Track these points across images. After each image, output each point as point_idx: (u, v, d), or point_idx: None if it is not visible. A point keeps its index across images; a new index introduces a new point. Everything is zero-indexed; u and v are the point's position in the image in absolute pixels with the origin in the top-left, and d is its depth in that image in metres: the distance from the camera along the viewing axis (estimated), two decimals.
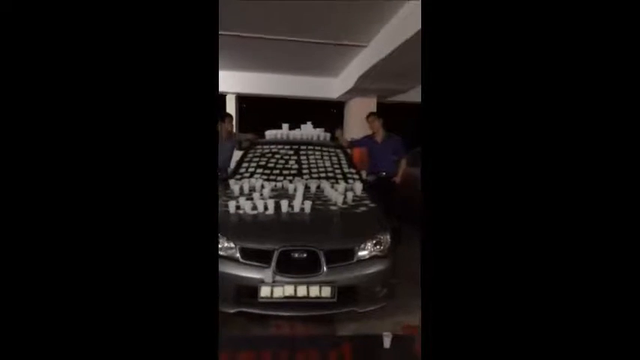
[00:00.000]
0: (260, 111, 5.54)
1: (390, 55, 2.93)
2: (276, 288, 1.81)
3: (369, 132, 3.36)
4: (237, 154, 3.31)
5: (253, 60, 4.36)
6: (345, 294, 1.88)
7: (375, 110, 4.98)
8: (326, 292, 1.83)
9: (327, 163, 2.96)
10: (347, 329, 2.01)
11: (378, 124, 3.24)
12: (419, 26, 2.28)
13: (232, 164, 3.17)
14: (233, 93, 5.43)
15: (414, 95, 4.93)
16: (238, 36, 3.30)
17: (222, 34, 3.26)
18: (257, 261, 1.86)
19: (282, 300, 1.82)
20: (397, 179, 3.19)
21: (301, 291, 1.81)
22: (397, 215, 2.83)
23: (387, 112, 4.21)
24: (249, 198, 2.27)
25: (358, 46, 3.43)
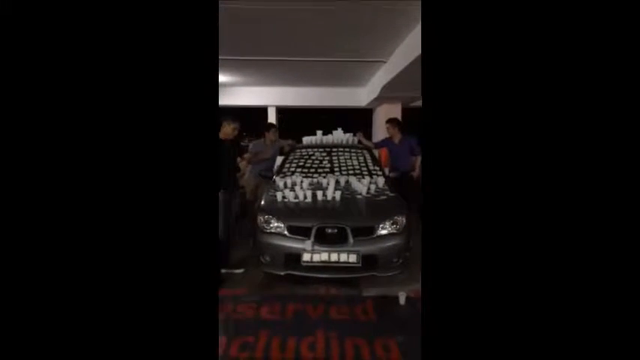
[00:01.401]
0: (297, 120, 6.20)
1: (407, 68, 3.42)
2: (314, 255, 2.38)
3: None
4: (279, 159, 3.95)
5: (290, 77, 5.03)
6: (368, 261, 2.40)
7: (399, 115, 5.46)
8: (352, 258, 2.37)
9: (355, 162, 3.51)
10: (370, 292, 2.52)
11: (393, 130, 3.77)
12: None
13: (276, 166, 3.81)
14: (273, 105, 6.17)
15: None
16: (276, 60, 3.96)
17: (263, 59, 3.94)
18: (300, 235, 2.44)
19: (319, 264, 2.38)
20: (414, 174, 3.65)
21: (333, 257, 2.37)
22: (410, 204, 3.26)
23: (410, 116, 4.65)
24: (292, 190, 2.88)
25: (379, 61, 3.96)
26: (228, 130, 2.72)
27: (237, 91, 5.88)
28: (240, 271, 2.82)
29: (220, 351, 1.82)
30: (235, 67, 4.33)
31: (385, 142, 3.93)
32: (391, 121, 3.83)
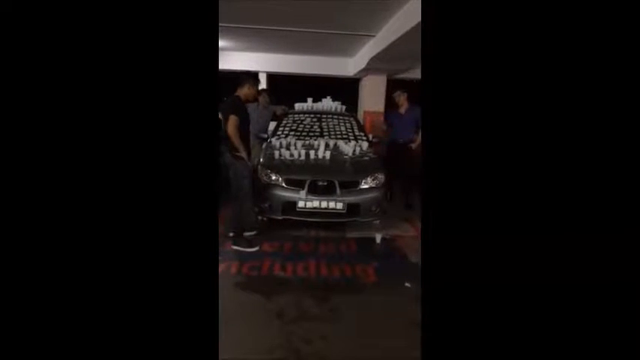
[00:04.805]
0: (288, 87, 6.46)
1: (395, 42, 3.74)
2: (307, 202, 2.86)
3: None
4: (272, 124, 4.28)
5: (282, 45, 5.24)
6: (352, 208, 2.91)
7: (384, 86, 5.82)
8: (339, 205, 2.87)
9: (342, 128, 3.93)
10: (353, 234, 3.06)
11: (403, 98, 3.82)
12: (419, 19, 2.94)
13: (269, 130, 4.15)
14: (264, 72, 6.37)
15: (419, 73, 5.63)
16: (269, 29, 4.19)
17: (256, 28, 4.16)
18: (295, 186, 2.90)
19: (311, 210, 2.87)
20: (413, 146, 3.78)
21: (323, 204, 2.85)
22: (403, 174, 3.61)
23: (393, 87, 5.01)
24: (287, 149, 3.30)
25: (368, 35, 4.25)
26: (247, 92, 2.69)
27: (228, 56, 6.02)
28: (253, 233, 2.87)
29: (234, 270, 2.31)
30: (227, 32, 4.51)
31: (388, 115, 4.02)
32: (399, 90, 3.76)
